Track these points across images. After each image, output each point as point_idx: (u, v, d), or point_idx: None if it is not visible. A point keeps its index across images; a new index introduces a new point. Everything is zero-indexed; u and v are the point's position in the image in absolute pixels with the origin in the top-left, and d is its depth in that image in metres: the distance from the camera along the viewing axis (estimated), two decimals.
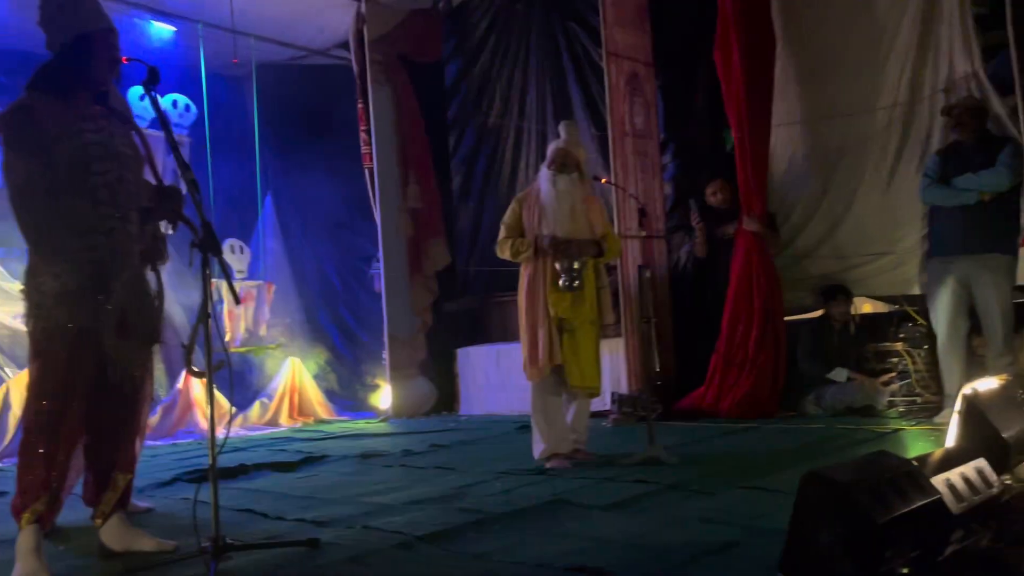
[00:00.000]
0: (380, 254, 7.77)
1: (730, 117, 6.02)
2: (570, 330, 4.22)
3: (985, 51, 5.48)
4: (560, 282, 4.17)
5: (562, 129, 4.45)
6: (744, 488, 3.36)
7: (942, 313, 4.91)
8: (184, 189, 2.74)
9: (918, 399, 5.52)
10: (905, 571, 1.87)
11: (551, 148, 4.39)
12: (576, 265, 4.16)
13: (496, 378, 7.33)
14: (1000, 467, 2.45)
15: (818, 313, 6.07)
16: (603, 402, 5.98)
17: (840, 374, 5.65)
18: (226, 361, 2.54)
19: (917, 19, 5.72)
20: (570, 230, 4.24)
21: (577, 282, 4.16)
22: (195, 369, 2.60)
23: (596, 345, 4.34)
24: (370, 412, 7.96)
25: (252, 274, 8.34)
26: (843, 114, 6.11)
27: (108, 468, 2.92)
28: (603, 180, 5.73)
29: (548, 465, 4.17)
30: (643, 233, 5.61)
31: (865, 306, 6.59)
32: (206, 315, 2.57)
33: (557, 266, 4.17)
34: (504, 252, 4.36)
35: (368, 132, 7.84)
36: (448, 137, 8.57)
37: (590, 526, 2.92)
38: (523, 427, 5.61)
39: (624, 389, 6.14)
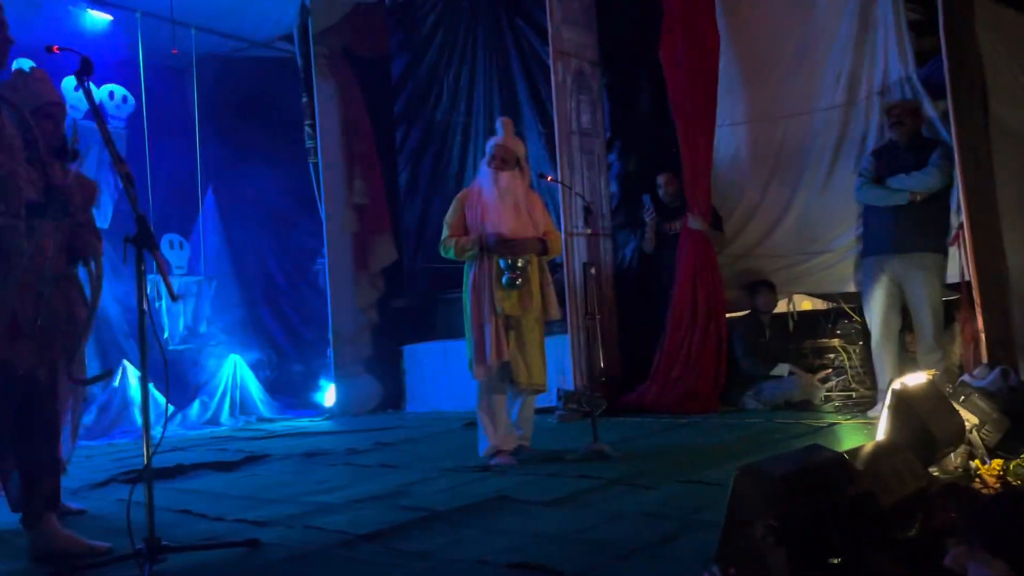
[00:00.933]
0: (325, 250, 7.68)
1: (675, 116, 6.10)
2: (516, 327, 4.24)
3: (919, 56, 5.66)
4: (504, 280, 4.18)
5: (499, 125, 4.46)
6: (685, 482, 3.42)
7: (876, 310, 5.05)
8: (120, 184, 2.67)
9: (853, 394, 5.68)
10: (835, 561, 1.92)
11: (490, 145, 4.40)
12: (520, 263, 4.17)
13: (443, 375, 7.31)
14: (927, 460, 2.54)
15: (747, 312, 6.21)
16: (548, 398, 6.00)
17: (782, 369, 5.79)
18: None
19: (854, 22, 5.87)
20: (514, 227, 4.25)
21: (520, 280, 4.18)
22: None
23: (542, 342, 4.37)
24: (314, 410, 7.87)
25: (192, 270, 8.17)
26: (783, 115, 6.25)
27: (31, 471, 2.83)
28: (548, 178, 5.76)
29: (493, 462, 4.18)
30: (588, 231, 5.66)
31: (804, 303, 6.76)
32: (142, 312, 2.51)
33: (501, 264, 4.18)
34: (448, 251, 4.35)
35: (313, 126, 7.74)
36: (395, 132, 8.51)
37: (533, 522, 2.93)
38: (469, 424, 5.61)
39: (569, 385, 6.18)
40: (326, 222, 7.64)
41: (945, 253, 5.00)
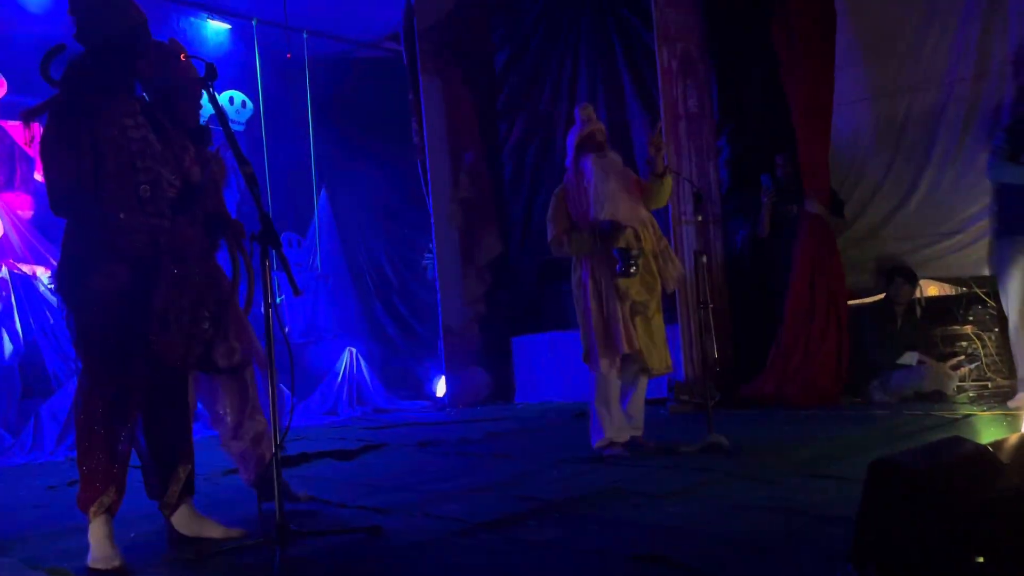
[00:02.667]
0: (433, 245, 7.81)
1: (789, 95, 5.86)
2: (643, 313, 4.19)
3: None
4: (618, 268, 4.12)
5: (579, 113, 4.38)
6: (809, 476, 3.29)
7: (1015, 294, 4.72)
8: (244, 184, 2.76)
9: (989, 384, 5.34)
10: (981, 560, 1.80)
11: (580, 133, 4.31)
12: (635, 251, 4.11)
13: (551, 366, 7.32)
14: None
15: (879, 296, 5.91)
16: (659, 390, 5.92)
17: (910, 358, 5.49)
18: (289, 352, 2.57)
19: None
20: (623, 211, 4.19)
21: (634, 268, 4.11)
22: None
23: (663, 324, 4.34)
24: (426, 401, 8.03)
25: (308, 267, 8.48)
26: (907, 89, 5.91)
27: (169, 458, 2.98)
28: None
29: (606, 453, 4.14)
30: (699, 218, 5.50)
31: (931, 288, 6.39)
32: (268, 306, 2.60)
33: (616, 253, 4.12)
34: (563, 249, 4.29)
35: (419, 123, 7.87)
36: (499, 125, 8.55)
37: (650, 514, 2.89)
38: (579, 415, 5.59)
39: (682, 377, 6.07)
40: (434, 217, 7.76)
41: None
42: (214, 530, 2.95)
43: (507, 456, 4.44)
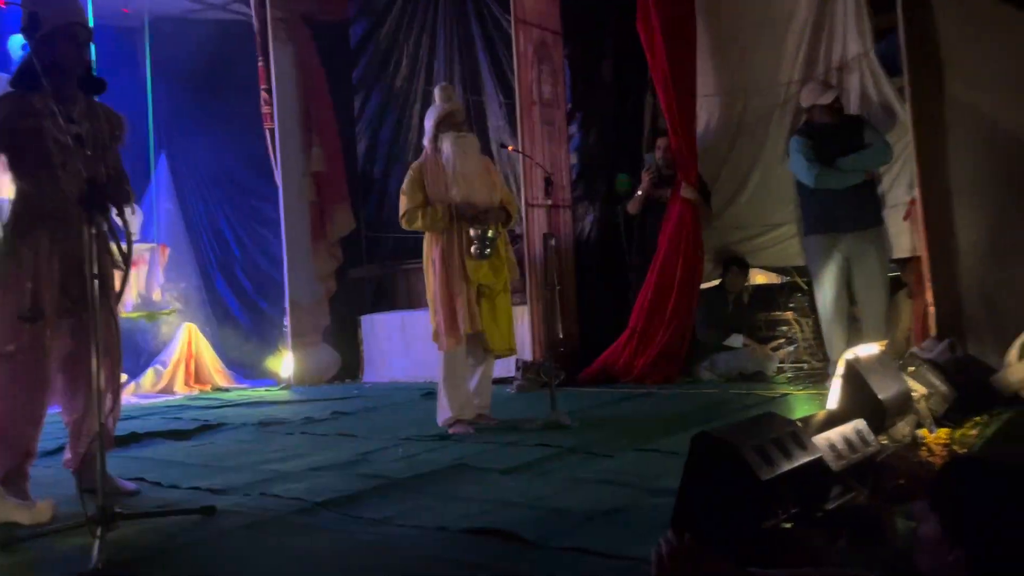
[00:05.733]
0: (281, 218, 7.56)
1: (657, 88, 6.06)
2: (488, 296, 4.25)
3: (876, 33, 5.72)
4: (472, 249, 4.16)
5: (439, 93, 4.41)
6: (642, 450, 3.47)
7: (828, 288, 5.12)
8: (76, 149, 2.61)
9: (805, 365, 5.79)
10: (787, 526, 1.97)
11: (438, 111, 4.33)
12: (491, 233, 4.16)
13: (401, 345, 7.29)
14: (877, 428, 2.60)
15: (715, 283, 6.27)
16: (507, 368, 6.03)
17: (736, 340, 5.88)
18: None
19: None
20: (481, 193, 4.24)
21: (490, 250, 4.17)
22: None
23: (510, 308, 4.44)
24: (270, 380, 7.80)
25: (145, 236, 7.99)
26: (747, 88, 6.27)
27: None
28: (510, 148, 5.72)
29: (451, 431, 4.19)
30: (549, 202, 5.64)
31: (758, 277, 6.85)
32: (92, 277, 2.45)
33: (471, 233, 4.16)
34: (415, 223, 4.27)
35: (269, 92, 7.58)
36: (353, 100, 8.38)
37: (491, 490, 2.95)
38: (427, 394, 5.61)
39: (528, 356, 6.21)
40: (283, 190, 7.52)
41: (884, 224, 5.14)
42: (20, 514, 2.75)
43: (351, 435, 4.40)
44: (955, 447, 3.06)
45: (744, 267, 6.13)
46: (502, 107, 7.46)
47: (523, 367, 6.10)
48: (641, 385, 5.69)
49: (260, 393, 7.06)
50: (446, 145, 4.29)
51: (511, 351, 4.44)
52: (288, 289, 7.49)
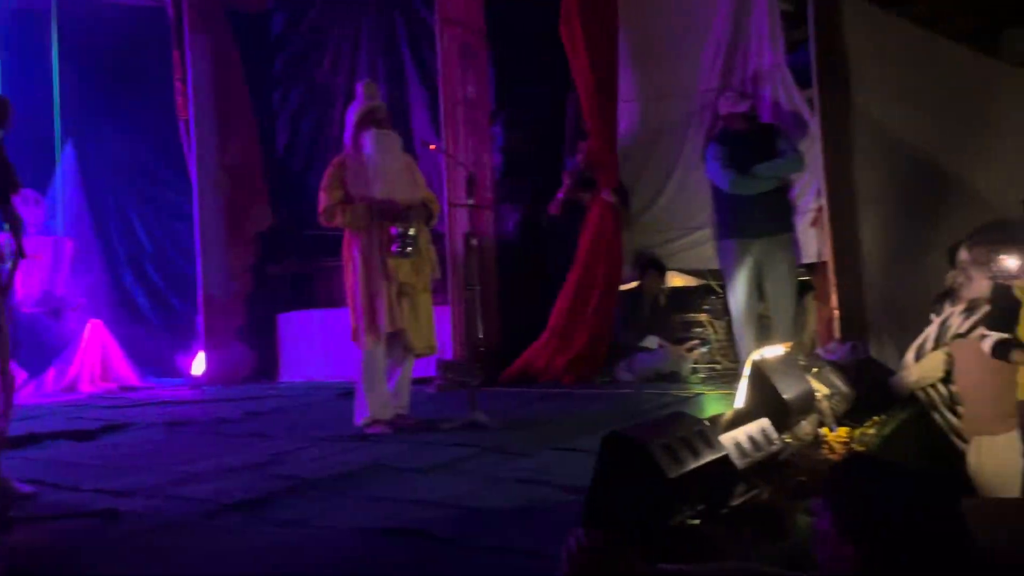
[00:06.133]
0: (195, 213, 7.34)
1: (579, 91, 6.12)
2: (409, 294, 4.21)
3: (789, 45, 5.93)
4: (393, 248, 4.13)
5: (361, 89, 4.38)
6: (558, 449, 3.50)
7: (740, 292, 5.28)
8: None
9: (718, 366, 5.95)
10: (694, 522, 2.02)
11: (360, 108, 4.30)
12: (412, 231, 4.13)
13: (318, 344, 7.16)
14: (781, 426, 2.70)
15: (633, 285, 6.38)
16: (427, 369, 6.01)
17: (652, 342, 5.99)
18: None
19: (732, 9, 6.06)
20: (403, 191, 4.21)
21: (411, 248, 4.14)
22: None
23: (431, 307, 4.40)
24: (181, 379, 7.56)
25: (48, 229, 7.63)
26: (667, 95, 6.40)
27: None
28: (432, 147, 5.70)
29: (369, 431, 4.15)
30: (471, 202, 5.62)
31: (675, 279, 7.01)
32: None
33: (393, 231, 4.12)
34: (335, 220, 4.22)
35: (184, 82, 7.35)
36: (273, 94, 8.20)
37: (408, 489, 2.94)
38: (345, 394, 5.53)
39: (449, 356, 6.19)
40: (197, 183, 7.30)
41: (795, 230, 5.34)
42: None
43: (265, 436, 4.31)
44: (854, 445, 3.19)
45: (661, 270, 6.26)
46: (426, 105, 7.41)
47: (443, 367, 6.08)
48: (560, 385, 5.74)
49: (170, 392, 6.84)
50: (368, 142, 4.25)
51: (431, 350, 4.43)
52: (202, 285, 7.28)
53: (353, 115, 4.33)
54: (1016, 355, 3.52)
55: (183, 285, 7.92)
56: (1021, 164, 5.07)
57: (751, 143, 5.27)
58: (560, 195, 6.25)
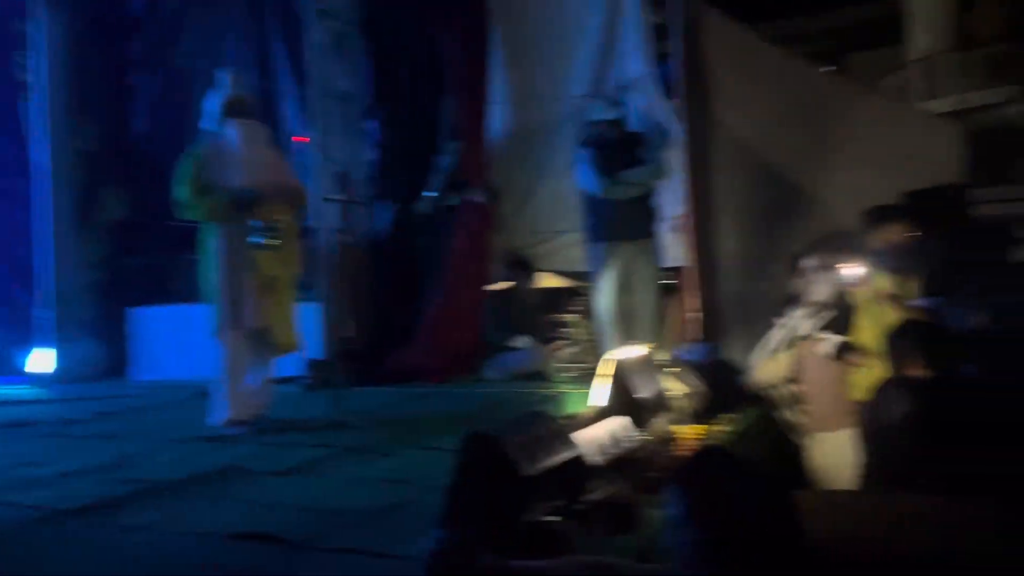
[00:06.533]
0: (39, 199, 6.87)
1: (452, 90, 6.12)
2: (273, 288, 4.08)
3: (658, 56, 6.15)
4: (257, 240, 3.99)
5: (226, 77, 4.26)
6: (423, 449, 3.49)
7: (606, 291, 5.43)
8: None
9: (584, 365, 6.08)
10: (551, 519, 2.06)
11: (225, 96, 4.18)
12: (277, 224, 4.01)
13: (176, 340, 6.84)
14: (639, 424, 2.79)
15: (504, 285, 6.45)
16: (295, 366, 5.86)
17: (520, 341, 6.07)
18: None
19: (604, 16, 6.23)
20: (266, 182, 4.08)
21: (276, 241, 4.01)
22: None
23: (295, 304, 4.29)
24: (24, 377, 7.04)
25: None
26: (540, 98, 6.50)
27: None
28: (300, 139, 5.57)
29: (228, 431, 4.00)
30: (343, 197, 5.52)
31: (546, 279, 7.13)
32: None
33: (258, 224, 3.99)
34: (194, 212, 4.06)
35: (31, 59, 6.86)
36: (131, 77, 7.77)
37: (265, 492, 2.86)
38: (202, 393, 5.31)
39: (317, 354, 6.06)
40: (43, 167, 6.83)
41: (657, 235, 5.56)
42: None
43: (115, 437, 4.08)
44: (707, 442, 3.35)
45: (530, 271, 6.35)
46: (296, 98, 7.22)
47: (310, 365, 5.94)
48: (430, 384, 5.72)
49: (11, 391, 6.36)
50: (232, 132, 4.12)
51: (295, 348, 4.33)
52: (47, 277, 6.81)
53: (217, 103, 4.18)
54: (852, 357, 3.79)
55: (26, 276, 7.38)
56: (862, 179, 5.46)
57: (620, 150, 5.43)
58: (431, 194, 6.24)
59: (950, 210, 5.29)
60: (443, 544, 1.60)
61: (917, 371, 3.19)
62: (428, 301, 6.12)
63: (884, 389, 3.32)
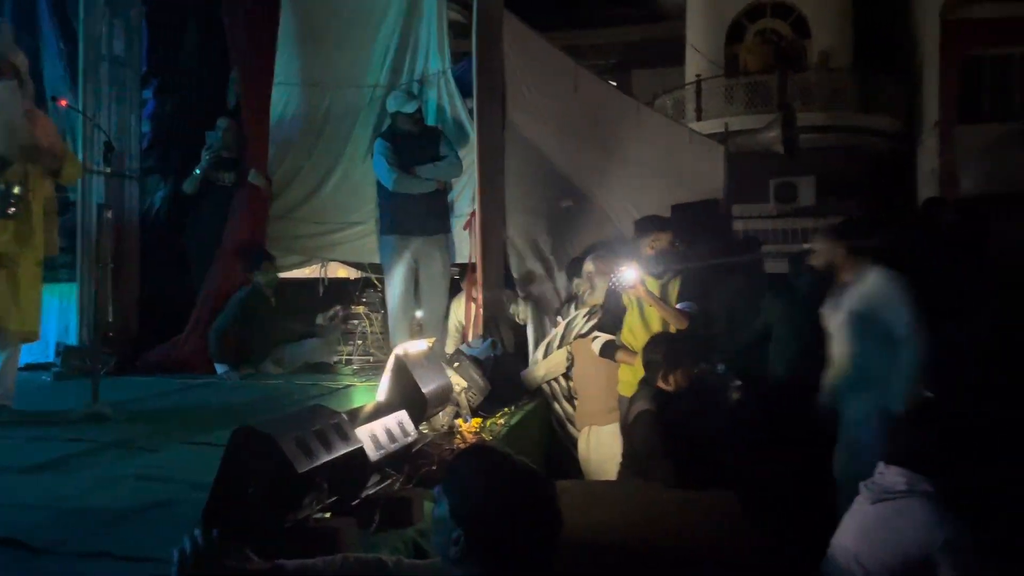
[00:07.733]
0: None
1: (236, 68, 5.89)
2: (10, 266, 3.66)
3: (455, 55, 6.22)
4: None
5: None
6: (191, 444, 3.30)
7: (398, 286, 5.44)
8: None
9: (371, 358, 6.04)
10: (324, 516, 2.03)
11: None
12: (17, 189, 3.59)
13: None
14: (418, 418, 2.81)
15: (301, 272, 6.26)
16: (44, 353, 5.33)
17: (307, 332, 5.87)
18: None
19: (403, 6, 6.19)
20: (9, 147, 3.64)
21: (15, 209, 3.59)
22: None
23: (40, 285, 3.87)
24: None
25: None
26: (333, 84, 6.35)
27: None
28: (63, 103, 5.04)
29: None
30: (108, 170, 5.05)
31: (339, 271, 7.00)
32: None
33: None
34: None
35: None
36: None
37: (7, 492, 2.58)
38: None
39: (73, 340, 5.54)
40: None
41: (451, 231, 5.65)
42: None
43: None
44: (484, 435, 3.44)
45: (270, 260, 5.83)
46: (62, 57, 6.54)
47: (65, 352, 5.43)
48: (203, 376, 5.41)
49: None
50: None
51: (33, 336, 3.90)
52: None
53: None
54: (620, 355, 4.06)
55: None
56: (638, 189, 5.87)
57: (416, 144, 5.44)
58: (196, 172, 5.90)
59: (711, 223, 5.83)
60: (195, 544, 1.52)
61: (662, 377, 3.57)
62: (200, 289, 5.77)
63: (637, 388, 3.67)
